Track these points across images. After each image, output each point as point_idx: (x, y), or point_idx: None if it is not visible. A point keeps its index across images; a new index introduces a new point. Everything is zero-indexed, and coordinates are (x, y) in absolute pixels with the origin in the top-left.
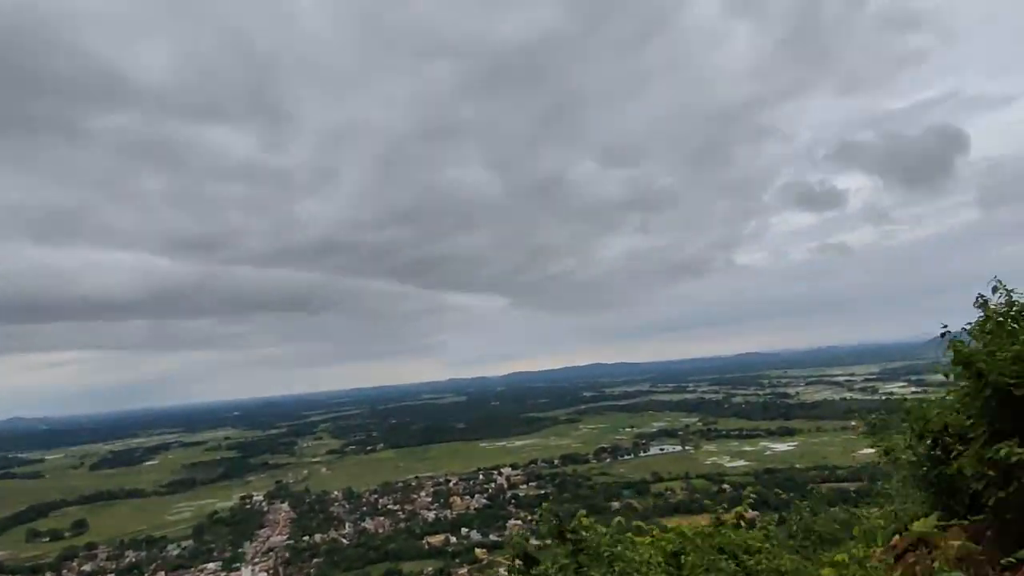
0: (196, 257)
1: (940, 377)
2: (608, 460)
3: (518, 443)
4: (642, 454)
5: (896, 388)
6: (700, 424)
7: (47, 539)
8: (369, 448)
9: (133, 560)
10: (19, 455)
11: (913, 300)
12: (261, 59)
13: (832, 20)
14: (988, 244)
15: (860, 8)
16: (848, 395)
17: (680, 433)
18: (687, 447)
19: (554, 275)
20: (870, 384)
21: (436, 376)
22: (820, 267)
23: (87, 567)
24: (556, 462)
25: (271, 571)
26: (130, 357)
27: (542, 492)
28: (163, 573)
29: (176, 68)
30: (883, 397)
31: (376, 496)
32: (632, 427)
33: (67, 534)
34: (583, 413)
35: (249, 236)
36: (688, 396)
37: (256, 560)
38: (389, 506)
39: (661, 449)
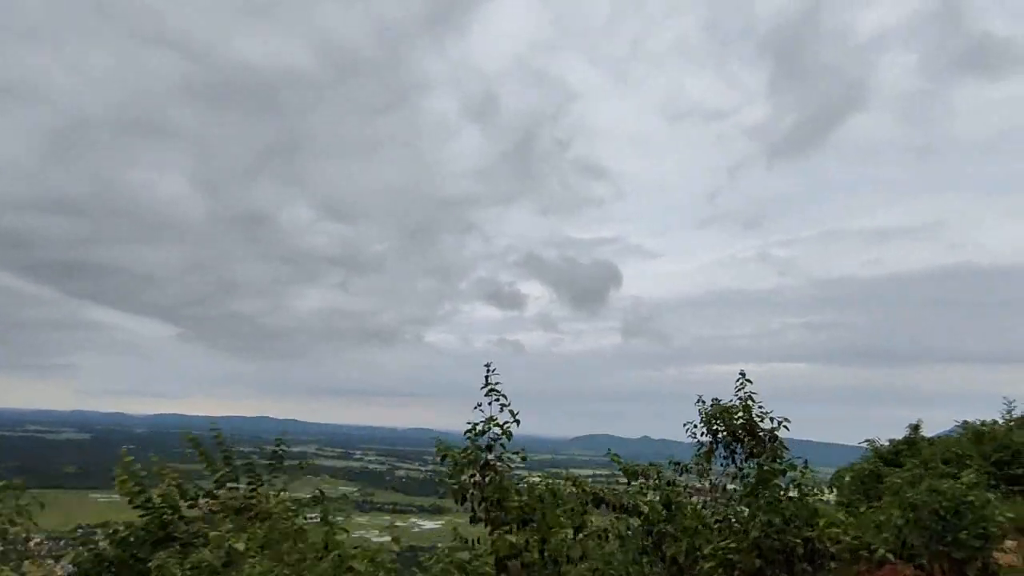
0: None
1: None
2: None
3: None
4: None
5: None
6: (358, 495)
7: None
8: None
9: None
10: None
11: (567, 403)
12: None
13: (542, 152)
14: (624, 365)
15: (565, 150)
16: None
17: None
18: (339, 517)
19: (238, 314)
20: (519, 469)
21: (57, 404)
22: (497, 358)
23: None
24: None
25: None
26: None
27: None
28: None
29: None
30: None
31: None
32: (286, 491)
33: None
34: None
35: None
36: (353, 464)
37: None
38: None
39: (314, 517)
